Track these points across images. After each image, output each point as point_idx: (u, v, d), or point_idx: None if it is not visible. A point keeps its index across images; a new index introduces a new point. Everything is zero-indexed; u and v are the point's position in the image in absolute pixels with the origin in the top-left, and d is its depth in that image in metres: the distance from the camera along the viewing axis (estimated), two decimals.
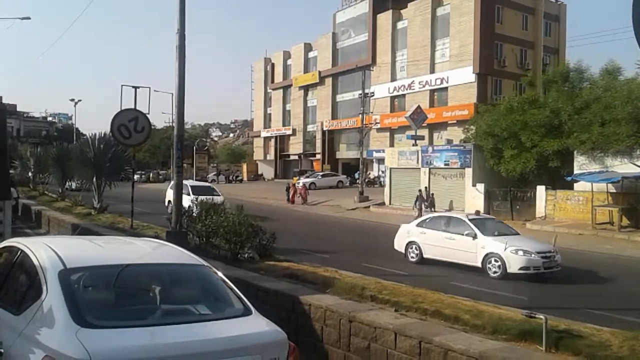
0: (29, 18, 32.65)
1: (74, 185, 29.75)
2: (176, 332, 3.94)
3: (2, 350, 4.08)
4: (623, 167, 23.08)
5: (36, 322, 3.98)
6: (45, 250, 4.63)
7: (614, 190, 23.31)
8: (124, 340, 3.73)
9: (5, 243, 5.64)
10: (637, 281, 14.16)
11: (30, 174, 36.37)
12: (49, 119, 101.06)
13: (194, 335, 3.93)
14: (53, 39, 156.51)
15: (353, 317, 6.77)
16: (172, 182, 21.75)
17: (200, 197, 17.07)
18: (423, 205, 26.65)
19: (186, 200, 19.05)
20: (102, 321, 3.90)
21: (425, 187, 29.23)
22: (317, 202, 35.21)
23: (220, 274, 5.01)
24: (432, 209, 27.35)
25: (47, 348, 3.66)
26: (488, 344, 5.77)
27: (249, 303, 4.59)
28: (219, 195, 24.06)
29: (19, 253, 4.97)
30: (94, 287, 4.47)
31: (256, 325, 4.33)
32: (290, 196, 36.97)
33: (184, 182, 21.72)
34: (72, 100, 65.64)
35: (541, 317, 5.76)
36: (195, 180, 59.29)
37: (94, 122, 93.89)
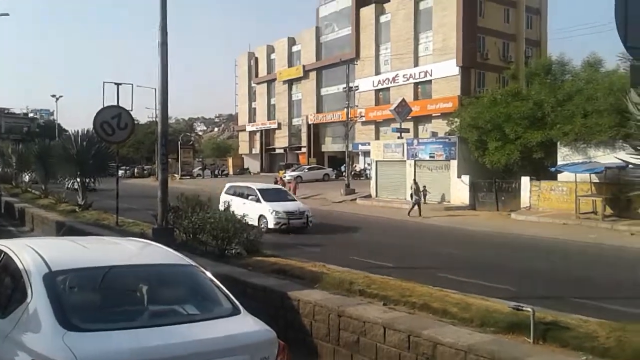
0: (7, 14, 32.21)
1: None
2: (164, 334, 3.89)
3: None
4: (606, 157, 23.30)
5: (22, 325, 3.93)
6: (29, 253, 4.56)
7: (597, 181, 23.56)
8: (111, 344, 3.68)
9: None
10: (619, 269, 14.33)
11: (12, 171, 35.91)
12: (31, 115, 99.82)
13: (182, 337, 3.89)
14: (33, 35, 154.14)
15: (342, 311, 6.78)
16: (227, 185, 21.87)
17: (274, 205, 19.68)
18: (414, 198, 26.58)
19: (258, 210, 19.84)
20: (89, 324, 3.85)
21: (414, 180, 29.22)
22: (306, 196, 35.08)
23: (208, 273, 4.97)
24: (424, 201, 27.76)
25: (34, 352, 3.62)
26: (476, 336, 5.80)
27: (237, 302, 4.56)
28: (294, 200, 22.06)
29: (2, 256, 4.89)
30: (80, 289, 4.40)
31: (245, 325, 4.29)
32: (292, 191, 36.46)
33: (250, 185, 22.23)
34: (54, 96, 64.97)
35: (529, 309, 5.80)
36: (182, 176, 59.22)
37: (76, 118, 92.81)
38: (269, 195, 20.76)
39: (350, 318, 6.65)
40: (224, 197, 20.83)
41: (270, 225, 19.13)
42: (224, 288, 4.75)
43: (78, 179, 21.25)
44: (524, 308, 5.94)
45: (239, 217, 11.51)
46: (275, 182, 37.50)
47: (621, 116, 21.70)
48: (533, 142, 25.98)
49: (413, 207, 25.99)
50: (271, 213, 19.43)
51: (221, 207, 18.09)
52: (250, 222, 16.89)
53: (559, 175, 25.32)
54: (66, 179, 22.80)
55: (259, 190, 21.05)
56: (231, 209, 17.25)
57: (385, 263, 13.41)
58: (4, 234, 16.04)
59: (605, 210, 22.52)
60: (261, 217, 19.60)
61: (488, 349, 5.44)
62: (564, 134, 24.67)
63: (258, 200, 20.25)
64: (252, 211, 18.99)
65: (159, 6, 11.66)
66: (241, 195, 21.48)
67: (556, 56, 31.20)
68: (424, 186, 28.41)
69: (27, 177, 32.94)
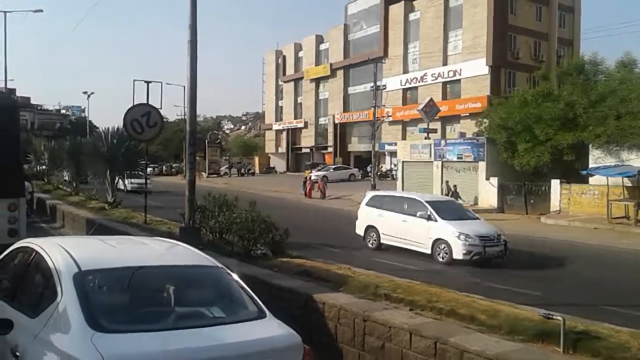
0: (41, 11, 32.85)
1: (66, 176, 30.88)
2: (190, 337, 3.91)
3: (18, 353, 4.08)
4: (639, 160, 22.80)
5: (51, 325, 3.98)
6: (60, 252, 4.62)
7: (630, 185, 23.04)
8: (138, 346, 3.71)
9: (20, 243, 5.63)
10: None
11: (44, 167, 36.60)
12: (63, 111, 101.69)
13: (208, 340, 3.90)
14: (66, 32, 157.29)
15: (367, 316, 6.72)
16: (370, 195, 17.26)
17: (459, 226, 14.19)
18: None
19: (434, 233, 14.56)
20: (117, 325, 3.89)
21: (447, 181, 28.87)
22: (335, 196, 34.91)
23: (234, 275, 4.97)
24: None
25: (62, 353, 3.66)
26: (505, 345, 5.69)
27: (263, 305, 4.55)
28: (477, 218, 15.85)
29: (33, 254, 4.97)
30: (108, 290, 4.45)
31: (270, 329, 4.29)
32: (307, 190, 36.17)
33: (414, 196, 16.52)
34: (85, 92, 66.14)
35: (559, 317, 5.67)
36: (209, 174, 59.71)
37: (107, 115, 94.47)
38: (446, 212, 15.20)
39: (376, 323, 6.58)
40: (365, 212, 17.05)
41: (457, 255, 13.95)
42: (249, 290, 4.75)
43: (108, 177, 21.54)
44: (554, 316, 5.80)
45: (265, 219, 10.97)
46: (304, 182, 37.30)
47: None
48: (564, 144, 25.49)
49: None
50: (458, 238, 14.05)
51: (362, 225, 16.76)
52: (415, 249, 14.84)
53: (590, 179, 24.83)
54: (96, 176, 23.17)
55: (430, 204, 15.39)
56: (381, 230, 15.85)
57: (409, 266, 13.31)
58: (36, 230, 16.35)
59: (638, 215, 21.98)
60: (439, 242, 14.49)
61: (517, 358, 5.32)
62: (596, 136, 24.15)
63: (430, 219, 14.81)
64: (421, 233, 14.87)
65: (189, 5, 11.79)
66: (398, 210, 16.02)
67: (589, 56, 30.61)
68: (455, 186, 28.11)
69: (66, 175, 33.44)
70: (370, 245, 16.46)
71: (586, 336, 5.74)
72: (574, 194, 25.22)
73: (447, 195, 26.94)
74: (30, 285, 4.88)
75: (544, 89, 29.82)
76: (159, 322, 4.14)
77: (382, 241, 16.05)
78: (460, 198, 27.19)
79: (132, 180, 31.99)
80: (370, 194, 18.79)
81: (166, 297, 4.53)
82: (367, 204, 17.25)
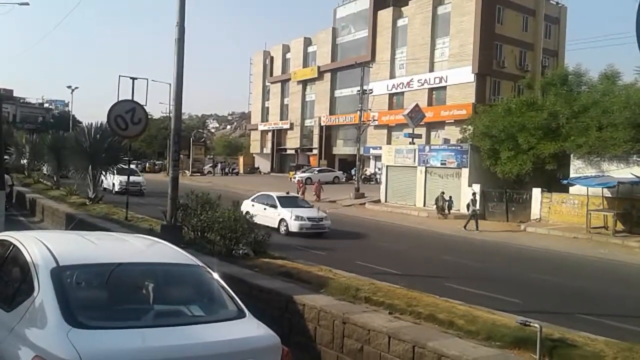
0: (27, 4, 32.39)
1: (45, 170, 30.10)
2: (168, 335, 3.88)
3: None
4: (619, 172, 23.11)
5: (27, 320, 3.93)
6: (38, 246, 4.56)
7: (610, 195, 23.33)
8: (115, 343, 3.68)
9: None
10: (630, 287, 14.18)
11: (25, 161, 36.18)
12: (46, 105, 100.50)
13: (187, 339, 3.88)
14: (52, 25, 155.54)
15: (347, 318, 6.73)
16: (254, 196, 21.80)
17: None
18: (470, 209, 24.63)
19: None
20: (94, 321, 3.84)
21: (442, 192, 28.55)
22: (329, 199, 34.56)
23: (214, 274, 4.96)
24: (449, 211, 27.87)
25: (38, 347, 3.61)
26: (482, 350, 5.74)
27: (242, 305, 4.54)
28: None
29: (11, 248, 4.90)
30: (87, 286, 4.41)
31: (250, 329, 4.28)
32: (300, 192, 34.65)
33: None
34: (69, 87, 65.41)
35: (536, 324, 5.73)
36: (193, 172, 59.50)
37: (90, 109, 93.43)
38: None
39: (355, 325, 6.60)
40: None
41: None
42: (230, 290, 4.73)
43: (90, 172, 21.35)
44: (531, 323, 5.87)
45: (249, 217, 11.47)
46: (300, 186, 36.73)
47: (636, 131, 21.58)
48: (546, 154, 25.78)
49: (470, 219, 24.17)
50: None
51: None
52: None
53: (570, 188, 25.11)
54: (77, 172, 22.93)
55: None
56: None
57: (391, 270, 13.36)
58: (15, 224, 16.12)
59: (617, 226, 22.30)
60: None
61: None
62: (577, 146, 24.45)
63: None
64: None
65: (177, 3, 11.71)
66: (262, 202, 21.94)
67: (573, 67, 31.01)
68: (450, 197, 28.24)
69: (47, 169, 32.56)
70: None
71: (562, 344, 5.81)
72: (554, 202, 25.50)
73: (440, 204, 27.81)
74: (7, 278, 4.82)
75: (528, 99, 30.16)
76: (137, 319, 4.10)
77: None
78: (451, 207, 28.08)
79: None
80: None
81: (145, 295, 4.51)
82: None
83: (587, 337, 6.25)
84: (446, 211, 27.95)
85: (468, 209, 24.91)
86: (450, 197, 28.23)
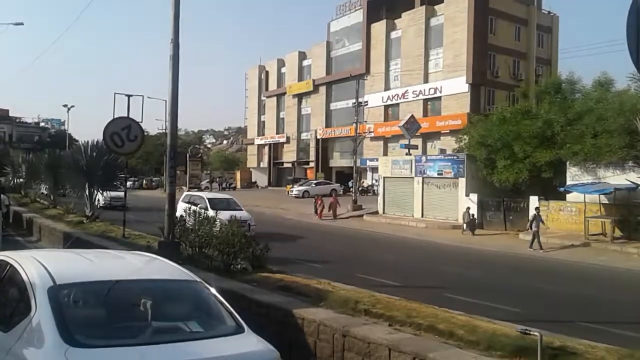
0: (22, 24, 32.53)
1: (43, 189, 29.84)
2: (167, 352, 3.87)
3: None
4: (615, 178, 23.17)
5: (25, 339, 3.91)
6: (35, 266, 4.55)
7: (607, 202, 23.36)
8: None
9: None
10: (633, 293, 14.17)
11: (22, 180, 36.10)
12: (42, 124, 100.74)
13: (185, 355, 3.86)
14: (47, 45, 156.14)
15: (347, 331, 6.70)
16: (183, 195, 21.97)
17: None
18: (533, 226, 21.69)
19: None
20: (92, 340, 3.83)
21: (468, 208, 27.20)
22: (345, 216, 34.08)
23: (212, 289, 4.94)
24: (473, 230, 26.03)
25: None
26: None
27: (241, 320, 4.52)
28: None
29: (8, 267, 4.89)
30: (84, 304, 4.39)
31: (248, 344, 4.26)
32: (319, 211, 33.41)
33: (200, 194, 23.07)
34: (65, 106, 65.32)
35: (536, 333, 5.71)
36: (190, 188, 59.58)
37: (87, 128, 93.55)
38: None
39: (355, 338, 6.56)
40: (180, 206, 20.81)
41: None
42: (228, 305, 4.72)
43: (87, 190, 21.30)
44: (531, 332, 5.85)
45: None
46: (315, 201, 34.80)
47: (631, 137, 21.65)
48: (542, 162, 25.86)
49: (534, 239, 21.44)
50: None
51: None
52: None
53: (567, 196, 25.15)
54: (74, 190, 22.88)
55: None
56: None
57: (390, 281, 13.33)
58: (12, 243, 16.06)
59: (615, 232, 22.29)
60: None
61: None
62: (573, 153, 24.52)
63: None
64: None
65: (171, 21, 11.78)
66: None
67: (566, 75, 31.22)
68: (473, 214, 26.49)
69: (44, 188, 31.91)
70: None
71: (563, 352, 5.79)
72: (551, 210, 25.51)
73: (467, 220, 26.05)
74: (4, 298, 4.80)
75: (522, 107, 30.31)
76: (135, 336, 4.09)
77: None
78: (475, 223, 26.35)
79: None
80: (185, 194, 24.28)
81: (143, 312, 4.48)
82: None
83: (588, 345, 6.22)
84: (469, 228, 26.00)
85: (531, 227, 21.93)
86: (473, 214, 26.62)
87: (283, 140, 70.79)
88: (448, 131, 45.92)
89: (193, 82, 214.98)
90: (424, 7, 50.78)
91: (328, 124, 63.21)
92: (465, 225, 26.25)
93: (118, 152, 16.81)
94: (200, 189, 60.96)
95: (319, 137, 63.02)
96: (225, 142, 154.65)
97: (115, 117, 16.44)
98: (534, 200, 25.97)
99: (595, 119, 23.79)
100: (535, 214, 22.18)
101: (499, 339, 6.14)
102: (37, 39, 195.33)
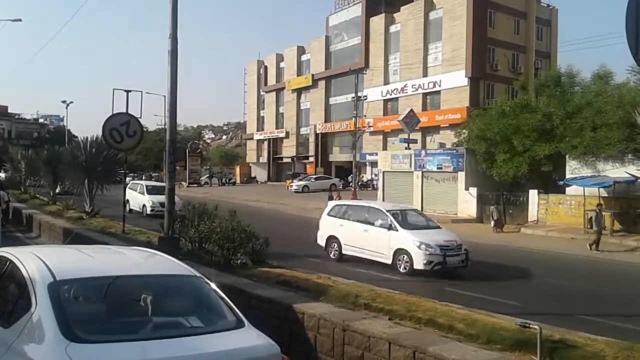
0: (20, 20, 32.50)
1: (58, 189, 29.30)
2: (167, 347, 3.87)
3: None
4: (615, 171, 23.19)
5: (25, 335, 3.92)
6: (35, 261, 4.55)
7: (606, 195, 23.37)
8: (114, 356, 3.67)
9: None
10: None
11: (21, 176, 36.06)
12: (41, 120, 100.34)
13: (186, 350, 3.87)
14: (45, 41, 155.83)
15: (347, 325, 6.72)
16: (332, 205, 16.75)
17: (155, 199, 22.54)
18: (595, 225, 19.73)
19: (394, 243, 14.27)
20: (92, 335, 3.83)
21: (496, 204, 26.26)
22: (314, 207, 34.18)
23: (212, 284, 4.95)
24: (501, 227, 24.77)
25: None
26: (482, 354, 5.74)
27: (241, 315, 4.53)
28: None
29: (7, 264, 4.89)
30: (84, 299, 4.39)
31: (249, 339, 4.27)
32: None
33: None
34: (64, 102, 65.25)
35: (536, 326, 5.72)
36: (190, 184, 59.66)
37: (86, 124, 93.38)
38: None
39: (355, 332, 6.59)
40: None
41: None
42: (228, 300, 4.72)
43: (86, 186, 21.29)
44: (531, 325, 5.86)
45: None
46: (331, 198, 31.10)
47: (630, 130, 21.65)
48: (541, 155, 25.85)
49: (598, 239, 19.36)
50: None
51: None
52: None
53: (567, 189, 25.17)
54: (74, 186, 22.85)
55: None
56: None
57: (389, 275, 13.35)
58: (11, 239, 16.08)
59: (614, 225, 22.33)
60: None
61: None
62: (572, 147, 24.53)
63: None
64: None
65: (169, 15, 11.76)
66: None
67: (565, 68, 31.16)
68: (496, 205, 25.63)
69: (58, 188, 30.27)
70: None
71: (563, 345, 5.81)
72: (551, 204, 25.54)
73: (496, 217, 24.88)
74: (4, 294, 4.80)
75: (521, 101, 30.27)
76: (136, 332, 4.09)
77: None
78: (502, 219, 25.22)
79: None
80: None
81: (144, 307, 4.48)
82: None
83: (587, 338, 6.25)
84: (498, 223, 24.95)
85: (592, 226, 20.27)
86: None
87: (282, 135, 70.72)
88: (447, 125, 45.86)
89: (192, 77, 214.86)
90: (422, 0, 50.60)
91: (327, 119, 63.14)
92: (492, 223, 24.91)
93: (117, 148, 16.81)
94: (200, 184, 61.08)
95: (318, 131, 62.95)
96: (224, 137, 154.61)
97: (114, 112, 16.43)
98: (533, 194, 26.01)
99: (595, 112, 23.80)
100: (597, 211, 19.93)
101: (498, 333, 6.17)
102: (36, 34, 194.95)
